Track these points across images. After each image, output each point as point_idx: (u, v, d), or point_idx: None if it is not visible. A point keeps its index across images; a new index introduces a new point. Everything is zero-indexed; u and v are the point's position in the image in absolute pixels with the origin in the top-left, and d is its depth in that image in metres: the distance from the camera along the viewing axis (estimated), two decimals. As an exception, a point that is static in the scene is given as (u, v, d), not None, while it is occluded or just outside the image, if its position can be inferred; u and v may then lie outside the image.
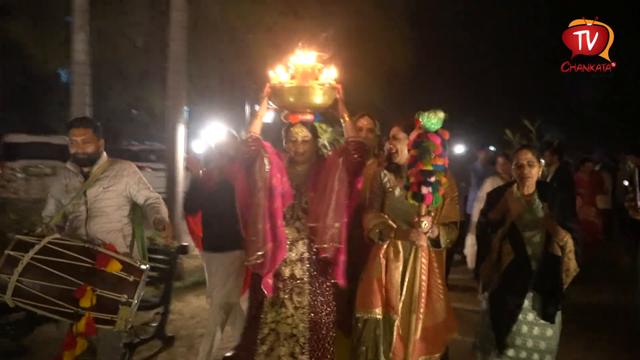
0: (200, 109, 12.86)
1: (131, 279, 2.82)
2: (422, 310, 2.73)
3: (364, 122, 3.32)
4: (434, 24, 13.71)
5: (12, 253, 2.77)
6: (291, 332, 2.86)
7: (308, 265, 2.89)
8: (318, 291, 2.89)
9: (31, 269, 2.74)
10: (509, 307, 2.93)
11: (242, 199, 2.99)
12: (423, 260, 2.73)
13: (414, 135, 2.61)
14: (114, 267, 2.81)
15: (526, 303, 2.92)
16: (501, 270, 2.97)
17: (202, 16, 9.14)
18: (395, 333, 2.72)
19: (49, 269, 2.75)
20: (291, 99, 2.88)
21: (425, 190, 2.46)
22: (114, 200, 3.13)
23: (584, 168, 7.55)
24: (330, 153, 3.23)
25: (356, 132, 3.02)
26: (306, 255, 2.89)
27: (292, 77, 2.93)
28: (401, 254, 2.79)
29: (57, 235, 2.88)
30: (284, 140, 3.01)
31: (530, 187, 3.03)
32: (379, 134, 3.35)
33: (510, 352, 2.94)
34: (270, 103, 2.97)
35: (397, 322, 2.73)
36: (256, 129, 2.91)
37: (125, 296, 2.80)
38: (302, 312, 2.86)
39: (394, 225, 2.76)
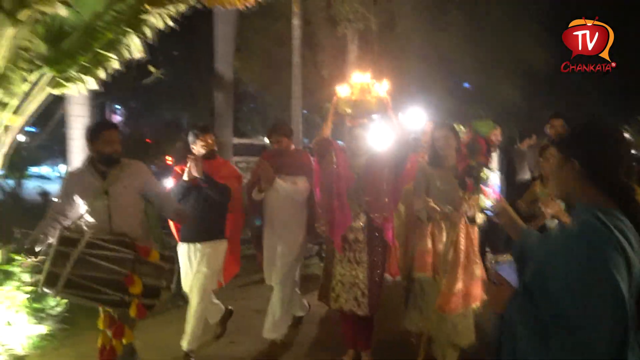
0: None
1: (167, 266, 3.19)
2: (460, 271, 3.55)
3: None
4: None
5: (60, 248, 2.93)
6: (354, 281, 3.79)
7: (367, 231, 3.83)
8: (373, 250, 3.84)
9: (80, 262, 2.92)
10: None
11: (317, 181, 4.11)
12: (461, 234, 3.56)
13: (467, 137, 3.74)
14: (154, 256, 3.16)
15: None
16: None
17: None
18: (442, 289, 3.52)
19: (97, 261, 2.96)
20: (352, 108, 3.93)
21: (468, 180, 3.16)
22: (133, 196, 3.37)
23: None
24: (383, 151, 4.12)
25: (402, 133, 3.94)
26: (366, 224, 3.83)
27: (353, 92, 3.97)
28: (444, 230, 3.62)
29: (93, 231, 3.10)
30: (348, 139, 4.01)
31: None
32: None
33: None
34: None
35: (443, 281, 3.53)
36: (327, 132, 4.04)
37: (165, 282, 3.16)
38: (363, 266, 3.80)
39: (438, 208, 3.59)
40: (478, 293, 3.69)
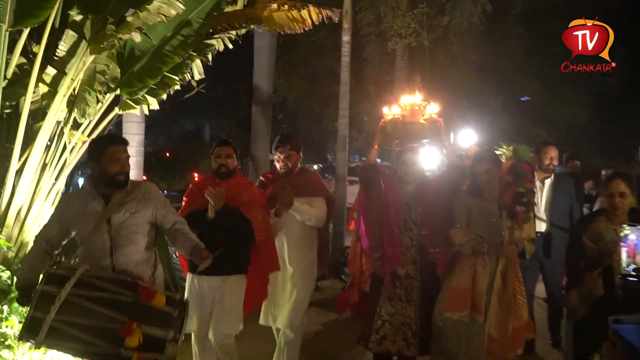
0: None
1: (176, 313, 2.77)
2: (511, 313, 3.48)
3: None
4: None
5: (45, 288, 2.66)
6: (404, 320, 3.78)
7: (419, 266, 3.83)
8: (426, 286, 3.81)
9: (68, 306, 2.62)
10: (593, 337, 3.04)
11: (363, 212, 4.01)
12: (509, 270, 3.52)
13: (507, 164, 3.64)
14: (160, 301, 2.74)
15: None
16: (591, 301, 3.21)
17: None
18: (485, 333, 3.47)
19: (89, 305, 2.63)
20: (402, 131, 4.01)
21: (519, 208, 3.27)
22: (141, 226, 3.04)
23: None
24: (434, 176, 4.18)
25: (457, 158, 4.07)
26: (417, 258, 3.84)
27: (403, 114, 4.03)
28: (487, 265, 3.55)
29: (87, 267, 2.78)
30: (397, 165, 4.00)
31: (621, 217, 3.20)
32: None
33: None
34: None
35: (487, 324, 3.47)
36: (373, 156, 4.14)
37: (172, 332, 2.72)
38: (414, 304, 3.79)
39: (483, 241, 3.53)
40: (522, 339, 3.60)
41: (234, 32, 4.66)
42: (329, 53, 11.68)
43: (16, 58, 3.92)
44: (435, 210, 3.80)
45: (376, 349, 3.83)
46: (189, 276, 3.79)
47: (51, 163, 4.13)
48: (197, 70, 4.67)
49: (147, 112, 4.71)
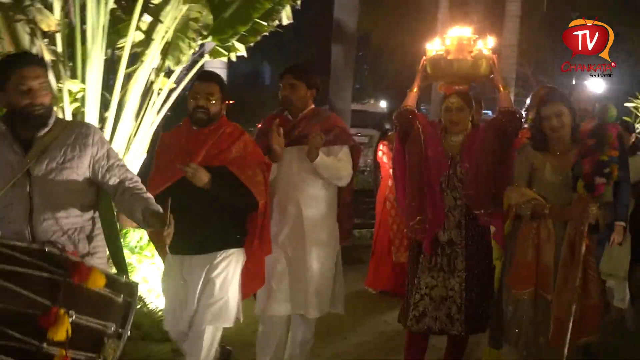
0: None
1: (120, 299, 2.49)
2: (577, 291, 3.33)
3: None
4: None
5: None
6: (446, 294, 3.75)
7: (465, 231, 3.79)
8: (473, 254, 3.78)
9: None
10: None
11: (399, 168, 4.02)
12: (578, 239, 3.38)
13: (588, 124, 3.57)
14: (98, 282, 2.40)
15: None
16: None
17: None
18: (551, 314, 3.39)
19: (3, 283, 2.27)
20: (447, 70, 3.92)
21: (598, 180, 3.26)
22: (73, 182, 2.67)
23: None
24: (482, 124, 4.03)
25: (510, 103, 3.89)
26: (463, 221, 3.78)
27: (447, 49, 3.92)
28: (553, 234, 3.44)
29: (1, 233, 2.44)
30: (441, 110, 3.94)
31: None
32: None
33: None
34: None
35: (552, 304, 3.38)
36: (412, 101, 3.91)
37: (113, 325, 2.46)
38: (458, 275, 3.76)
39: (546, 203, 3.39)
40: (594, 322, 3.52)
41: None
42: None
43: (110, 4, 4.68)
44: (481, 164, 3.73)
45: (414, 327, 3.74)
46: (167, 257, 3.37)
47: (146, 109, 4.95)
48: (285, 15, 5.29)
49: (234, 59, 5.46)
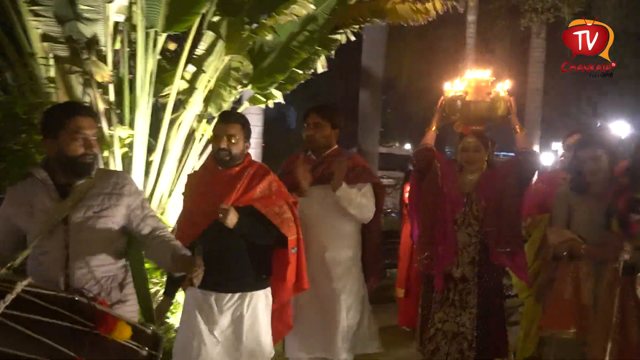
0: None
1: (144, 352, 2.46)
2: (616, 333, 3.31)
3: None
4: None
5: None
6: (458, 330, 3.82)
7: (478, 268, 3.84)
8: (486, 291, 3.83)
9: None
10: None
11: (414, 204, 4.18)
12: (617, 280, 3.36)
13: (623, 163, 3.62)
14: (124, 334, 2.37)
15: None
16: None
17: None
18: (587, 357, 3.39)
19: (24, 330, 2.21)
20: (464, 111, 4.01)
21: (634, 218, 3.31)
22: (108, 231, 2.70)
23: None
24: (501, 164, 4.15)
25: (527, 144, 4.01)
26: (477, 257, 3.85)
27: (466, 91, 4.03)
28: (591, 274, 3.47)
29: (31, 281, 2.33)
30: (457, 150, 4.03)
31: None
32: None
33: None
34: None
35: (588, 346, 3.39)
36: (430, 139, 4.03)
37: None
38: (470, 311, 3.82)
39: (582, 242, 3.41)
40: None
41: (357, 26, 5.57)
42: (449, 26, 12.14)
43: (157, 55, 4.99)
44: (502, 203, 3.80)
45: (431, 359, 3.88)
46: (187, 294, 3.37)
47: (188, 154, 5.21)
48: (320, 64, 5.58)
49: (271, 105, 5.77)
